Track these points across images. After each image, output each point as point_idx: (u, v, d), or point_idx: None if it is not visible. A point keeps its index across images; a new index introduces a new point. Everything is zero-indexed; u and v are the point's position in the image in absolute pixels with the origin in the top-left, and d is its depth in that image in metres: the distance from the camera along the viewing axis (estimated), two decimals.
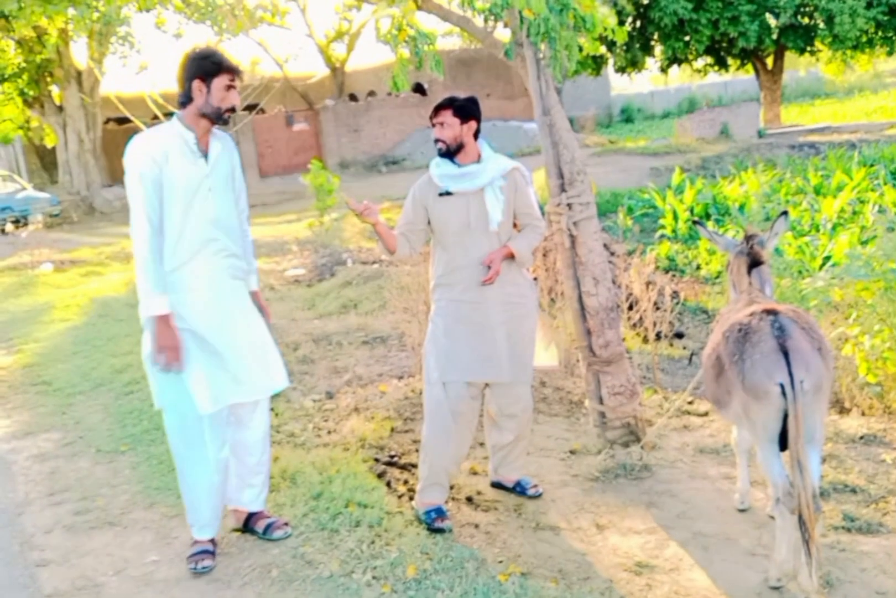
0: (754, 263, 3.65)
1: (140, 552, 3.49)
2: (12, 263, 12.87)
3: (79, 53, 22.48)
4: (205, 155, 3.26)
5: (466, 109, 3.63)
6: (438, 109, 3.65)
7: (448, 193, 3.65)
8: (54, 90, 22.58)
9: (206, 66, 3.19)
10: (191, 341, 3.23)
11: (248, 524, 3.56)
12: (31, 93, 22.41)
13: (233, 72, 3.23)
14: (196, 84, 3.19)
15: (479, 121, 3.68)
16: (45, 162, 28.21)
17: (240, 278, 3.40)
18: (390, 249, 3.73)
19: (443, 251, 3.73)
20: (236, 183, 3.42)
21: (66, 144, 22.47)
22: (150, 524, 3.75)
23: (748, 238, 3.71)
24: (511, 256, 3.66)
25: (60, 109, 22.48)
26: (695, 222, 4.18)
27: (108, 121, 25.17)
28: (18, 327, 8.31)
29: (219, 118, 3.25)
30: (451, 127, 3.62)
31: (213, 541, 3.41)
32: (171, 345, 3.14)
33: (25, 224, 16.08)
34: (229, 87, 3.22)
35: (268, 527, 3.50)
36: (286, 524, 3.52)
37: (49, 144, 23.36)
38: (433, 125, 3.68)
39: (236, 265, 3.36)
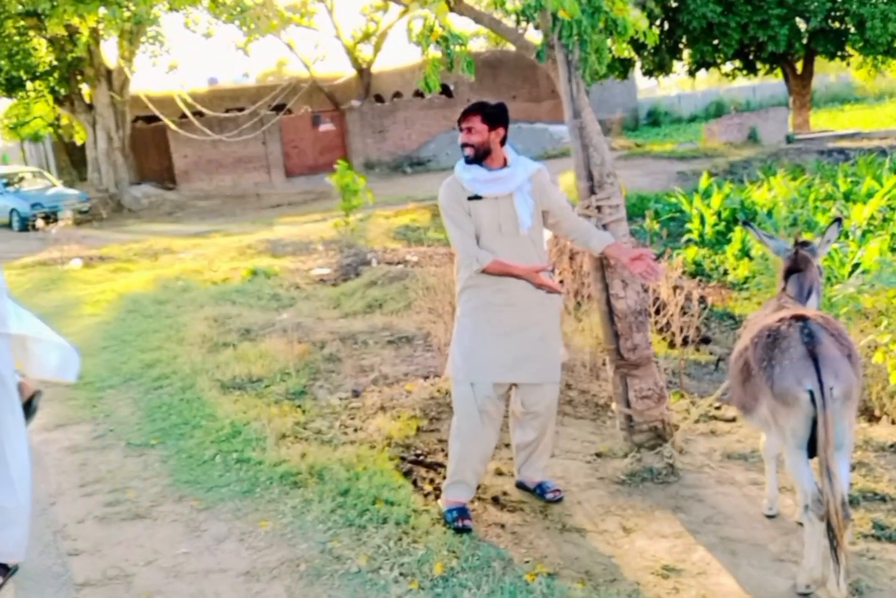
0: (793, 269, 3.63)
1: (170, 544, 3.54)
2: (42, 258, 13.05)
3: (109, 52, 22.79)
4: None
5: (495, 116, 3.62)
6: (467, 114, 3.63)
7: (477, 198, 3.66)
8: (84, 88, 22.86)
9: None
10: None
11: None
12: (62, 91, 22.70)
13: None
14: None
15: (507, 127, 3.67)
16: (74, 159, 28.50)
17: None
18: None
19: None
20: None
21: (95, 141, 22.74)
22: (179, 516, 3.80)
23: (798, 244, 3.69)
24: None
25: (90, 106, 22.75)
26: (744, 223, 4.15)
27: (136, 119, 25.41)
28: (48, 321, 8.36)
29: None
30: (479, 133, 3.61)
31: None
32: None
33: (55, 220, 16.23)
34: None
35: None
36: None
37: (78, 141, 23.65)
38: (461, 129, 3.66)
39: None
